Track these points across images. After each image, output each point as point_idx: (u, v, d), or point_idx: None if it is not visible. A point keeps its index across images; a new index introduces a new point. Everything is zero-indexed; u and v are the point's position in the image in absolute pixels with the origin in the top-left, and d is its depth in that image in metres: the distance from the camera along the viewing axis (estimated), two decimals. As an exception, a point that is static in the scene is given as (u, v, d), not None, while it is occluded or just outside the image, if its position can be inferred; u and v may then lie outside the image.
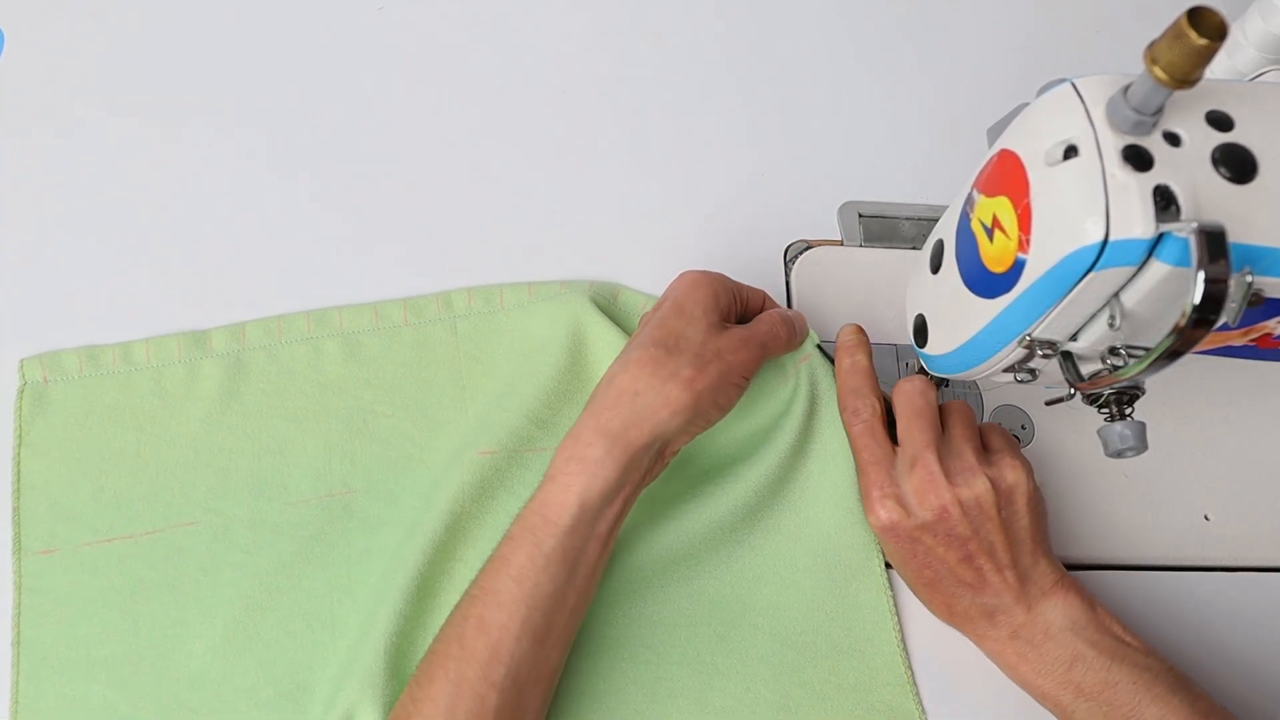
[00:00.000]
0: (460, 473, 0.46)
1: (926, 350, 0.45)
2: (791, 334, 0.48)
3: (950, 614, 0.46)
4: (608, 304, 0.52)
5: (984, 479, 0.43)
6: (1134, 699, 0.41)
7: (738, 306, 0.47)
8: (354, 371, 0.50)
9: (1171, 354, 0.33)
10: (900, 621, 0.48)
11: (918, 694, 0.46)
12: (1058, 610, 0.44)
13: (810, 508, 0.48)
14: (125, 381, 0.49)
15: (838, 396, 0.48)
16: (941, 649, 0.48)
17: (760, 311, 0.48)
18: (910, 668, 0.47)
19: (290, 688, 0.44)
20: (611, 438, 0.40)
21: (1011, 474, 0.44)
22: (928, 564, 0.44)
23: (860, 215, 0.58)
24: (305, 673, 0.44)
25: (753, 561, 0.48)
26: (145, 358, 0.49)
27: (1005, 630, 0.44)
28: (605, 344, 0.49)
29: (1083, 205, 0.33)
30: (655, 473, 0.44)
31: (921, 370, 0.51)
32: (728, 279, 0.47)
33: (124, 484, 0.47)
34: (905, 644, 0.48)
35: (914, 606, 0.48)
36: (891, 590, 0.48)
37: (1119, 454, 0.40)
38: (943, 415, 0.46)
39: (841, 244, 0.57)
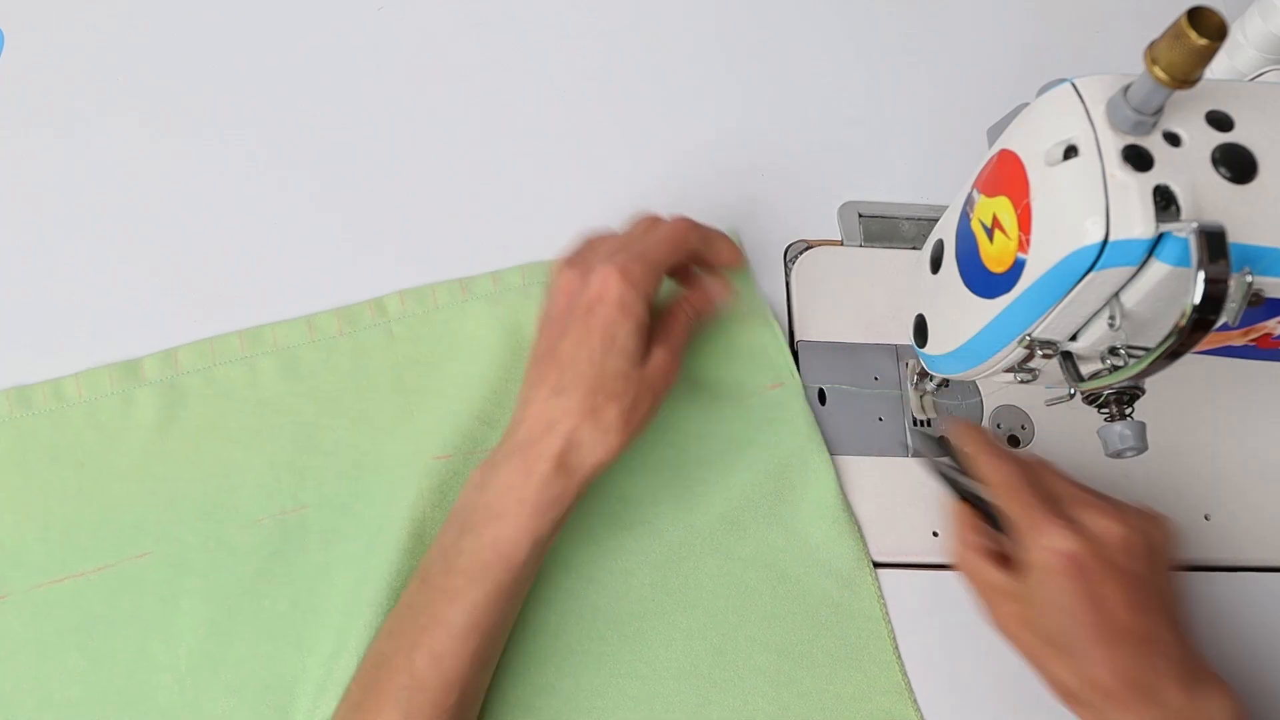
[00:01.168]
0: (417, 479, 0.46)
1: (926, 350, 0.45)
2: (704, 315, 0.48)
3: (1125, 684, 0.38)
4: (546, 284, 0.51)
5: (1149, 517, 0.41)
6: None
7: (659, 281, 0.45)
8: (293, 387, 0.49)
9: (1171, 354, 0.33)
10: (893, 629, 0.48)
11: (915, 701, 0.46)
12: (1216, 703, 0.39)
13: (798, 520, 0.49)
14: (59, 419, 0.48)
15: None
16: (938, 655, 0.48)
17: (682, 268, 0.48)
18: (906, 675, 0.47)
19: (264, 710, 0.44)
20: (562, 485, 0.41)
21: (1154, 528, 0.41)
22: (1107, 615, 0.39)
23: (860, 215, 0.58)
24: (277, 693, 0.44)
25: (745, 574, 0.48)
26: (77, 393, 0.49)
27: (1159, 712, 0.38)
28: None
29: (1083, 205, 0.33)
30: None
31: (922, 371, 0.51)
32: (651, 268, 0.44)
33: (70, 521, 0.46)
34: (899, 651, 0.47)
35: (907, 613, 0.47)
36: (883, 599, 0.48)
37: (1119, 454, 0.40)
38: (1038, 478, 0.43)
39: (841, 244, 0.57)
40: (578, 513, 0.46)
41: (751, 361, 0.52)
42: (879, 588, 0.48)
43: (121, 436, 0.48)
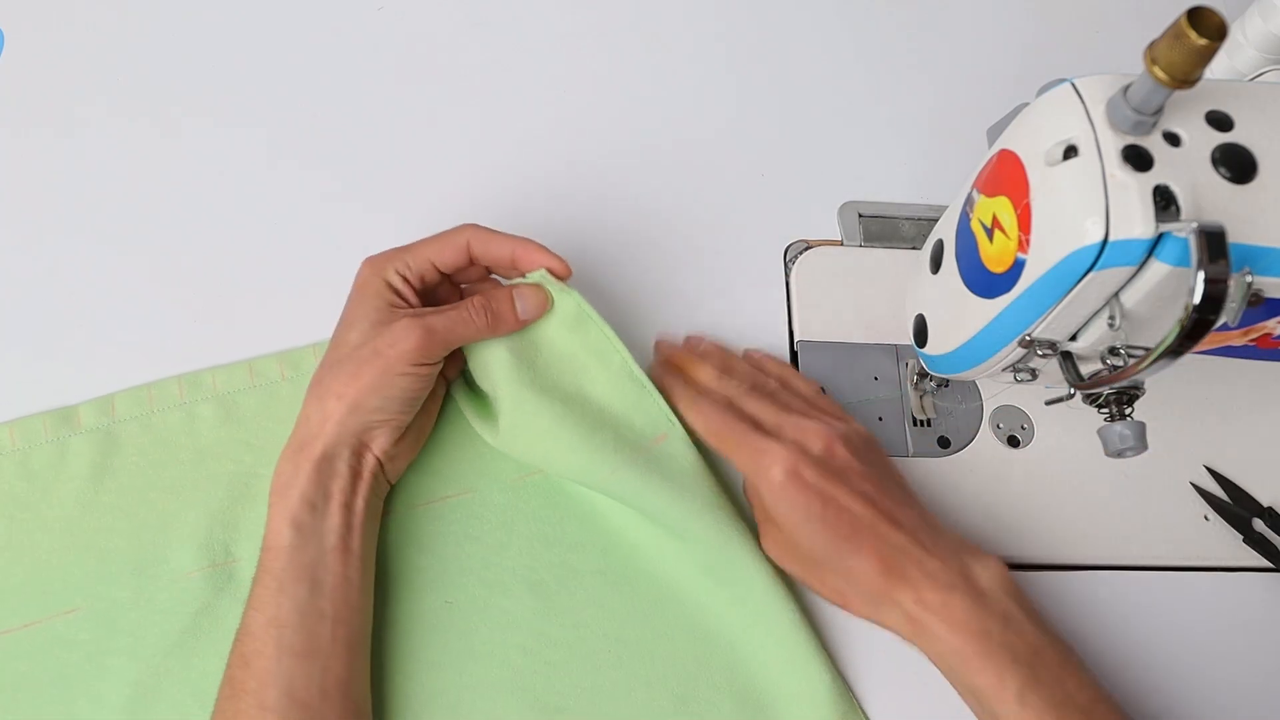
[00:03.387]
0: None
1: (926, 350, 0.45)
2: (491, 321, 0.45)
3: (884, 572, 0.41)
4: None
5: (843, 415, 0.45)
6: (1060, 667, 0.40)
7: (434, 272, 0.45)
8: (232, 434, 0.48)
9: (1171, 354, 0.33)
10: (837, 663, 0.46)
11: None
12: (978, 566, 0.42)
13: (742, 566, 0.46)
14: None
15: (681, 411, 0.46)
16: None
17: (507, 262, 0.46)
18: (863, 710, 0.46)
19: None
20: (293, 461, 0.42)
21: (855, 424, 0.46)
22: (841, 515, 0.41)
23: (860, 215, 0.58)
24: None
25: (704, 620, 0.46)
26: (10, 441, 0.47)
27: (943, 585, 0.41)
28: (505, 384, 0.46)
29: (1083, 205, 0.33)
30: (377, 474, 0.44)
31: (922, 371, 0.51)
32: (407, 254, 0.45)
33: None
34: (851, 687, 0.46)
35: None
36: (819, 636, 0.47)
37: (1119, 454, 0.40)
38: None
39: (841, 244, 0.57)
40: (525, 566, 0.46)
41: (626, 413, 0.47)
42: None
43: (54, 487, 0.47)
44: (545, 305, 0.47)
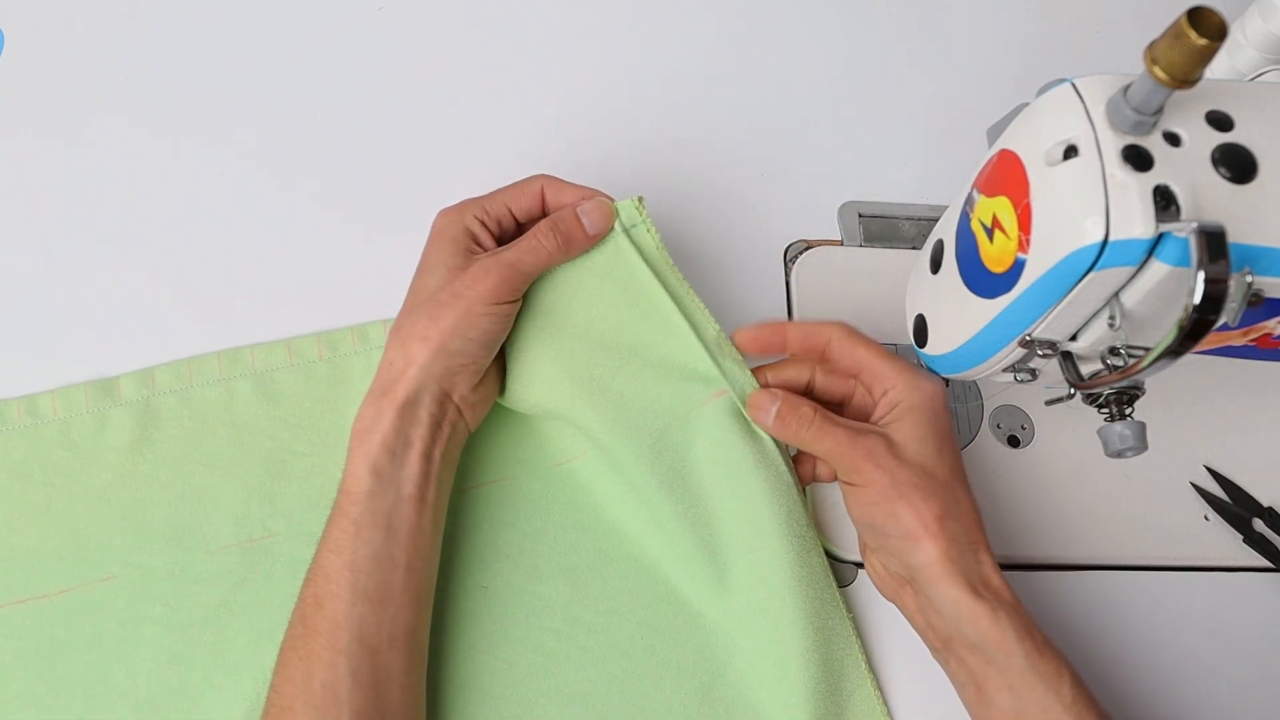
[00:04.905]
0: None
1: (926, 350, 0.45)
2: (563, 243, 0.45)
3: (978, 525, 0.42)
4: None
5: None
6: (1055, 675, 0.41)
7: (510, 219, 0.46)
8: (269, 411, 0.49)
9: (1172, 354, 0.33)
10: (865, 646, 0.47)
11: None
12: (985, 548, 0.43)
13: (770, 548, 0.46)
14: (32, 435, 0.47)
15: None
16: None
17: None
18: (881, 691, 0.46)
19: None
20: (376, 406, 0.42)
21: None
22: (951, 443, 0.43)
23: (860, 215, 0.58)
24: None
25: (732, 607, 0.46)
26: (52, 410, 0.48)
27: (984, 549, 0.42)
28: (527, 369, 0.46)
29: (1083, 205, 0.33)
30: (457, 423, 0.44)
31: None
32: (485, 201, 0.46)
33: (36, 542, 0.45)
34: (874, 672, 0.46)
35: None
36: (853, 615, 0.47)
37: (1119, 454, 0.40)
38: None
39: (841, 244, 0.57)
40: (560, 553, 0.47)
41: (681, 375, 0.46)
42: (847, 605, 0.47)
43: (94, 457, 0.47)
44: (611, 218, 0.46)
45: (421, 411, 0.43)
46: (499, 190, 0.46)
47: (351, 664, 0.39)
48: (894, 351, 0.46)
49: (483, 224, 0.45)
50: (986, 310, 0.39)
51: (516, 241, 0.45)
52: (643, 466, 0.46)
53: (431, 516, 0.43)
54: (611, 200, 0.47)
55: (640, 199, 0.47)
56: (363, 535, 0.41)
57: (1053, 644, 0.41)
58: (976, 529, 0.42)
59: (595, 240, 0.46)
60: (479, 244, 0.45)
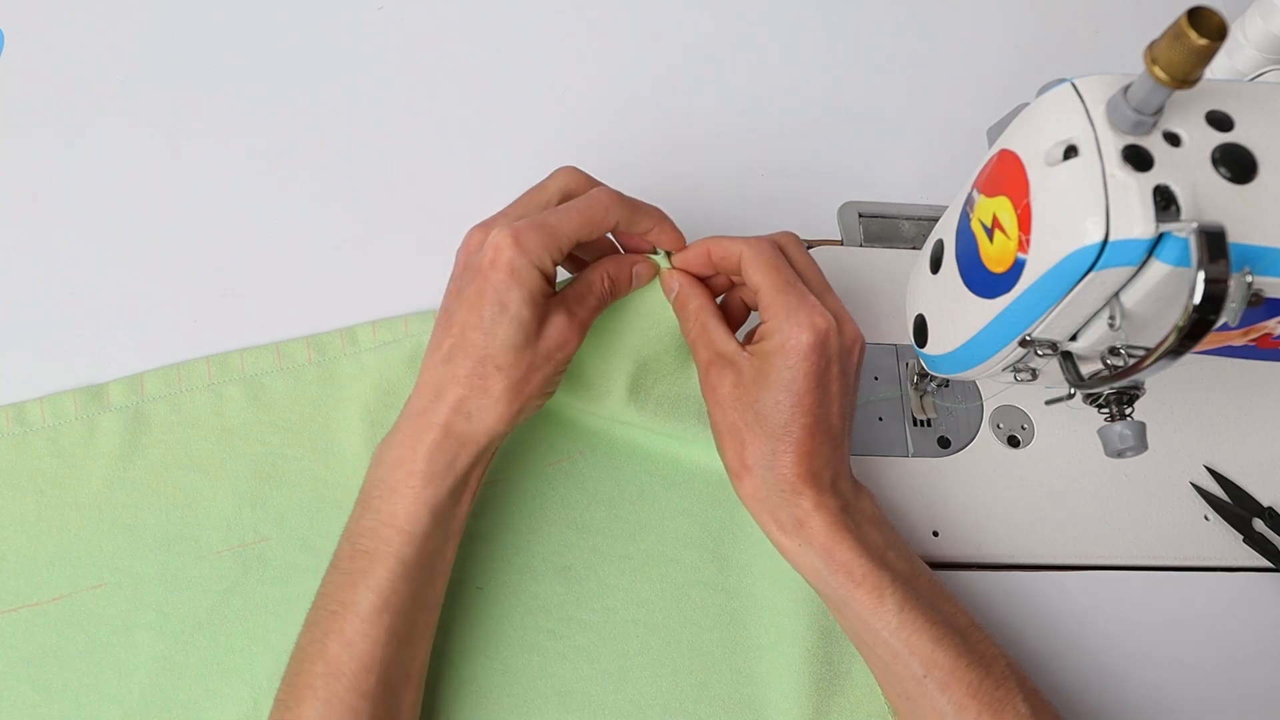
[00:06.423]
0: None
1: (926, 350, 0.45)
2: (611, 288, 0.44)
3: (805, 473, 0.41)
4: None
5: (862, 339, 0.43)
6: (931, 590, 0.42)
7: (567, 248, 0.43)
8: (259, 415, 0.49)
9: (1172, 354, 0.33)
10: None
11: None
12: (866, 498, 0.44)
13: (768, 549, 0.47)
14: (21, 443, 0.47)
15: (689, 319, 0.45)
16: None
17: (601, 240, 0.45)
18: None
19: None
20: (452, 453, 0.41)
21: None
22: (819, 406, 0.41)
23: (860, 215, 0.58)
24: None
25: (729, 605, 0.47)
26: (41, 417, 0.48)
27: (840, 502, 0.42)
28: None
29: (1083, 205, 0.33)
30: (491, 458, 0.44)
31: (922, 371, 0.51)
32: (556, 235, 0.41)
33: (27, 550, 0.45)
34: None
35: None
36: None
37: (1119, 454, 0.40)
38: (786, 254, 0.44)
39: (841, 244, 0.57)
40: (555, 552, 0.47)
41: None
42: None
43: (83, 464, 0.47)
44: (653, 277, 0.46)
45: (486, 456, 0.42)
46: (566, 218, 0.42)
47: (373, 707, 0.38)
48: (824, 292, 0.44)
49: (554, 263, 0.42)
50: (986, 310, 0.39)
51: (580, 289, 0.43)
52: (649, 463, 0.46)
53: (455, 550, 0.43)
54: (677, 231, 0.46)
55: (669, 253, 0.46)
56: (408, 576, 0.40)
57: (887, 570, 0.41)
58: (801, 479, 0.41)
59: (630, 291, 0.46)
60: (550, 283, 0.42)
